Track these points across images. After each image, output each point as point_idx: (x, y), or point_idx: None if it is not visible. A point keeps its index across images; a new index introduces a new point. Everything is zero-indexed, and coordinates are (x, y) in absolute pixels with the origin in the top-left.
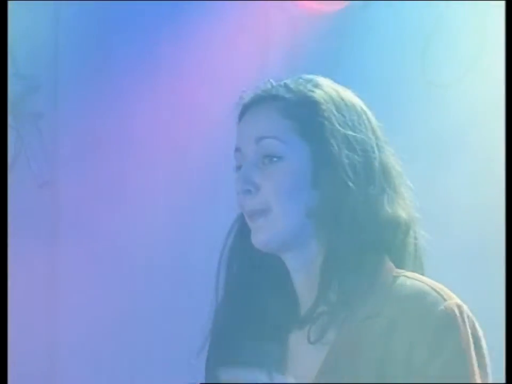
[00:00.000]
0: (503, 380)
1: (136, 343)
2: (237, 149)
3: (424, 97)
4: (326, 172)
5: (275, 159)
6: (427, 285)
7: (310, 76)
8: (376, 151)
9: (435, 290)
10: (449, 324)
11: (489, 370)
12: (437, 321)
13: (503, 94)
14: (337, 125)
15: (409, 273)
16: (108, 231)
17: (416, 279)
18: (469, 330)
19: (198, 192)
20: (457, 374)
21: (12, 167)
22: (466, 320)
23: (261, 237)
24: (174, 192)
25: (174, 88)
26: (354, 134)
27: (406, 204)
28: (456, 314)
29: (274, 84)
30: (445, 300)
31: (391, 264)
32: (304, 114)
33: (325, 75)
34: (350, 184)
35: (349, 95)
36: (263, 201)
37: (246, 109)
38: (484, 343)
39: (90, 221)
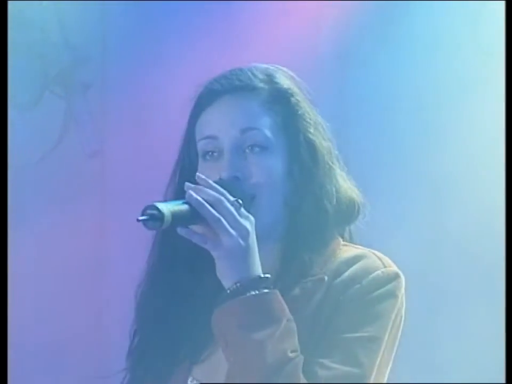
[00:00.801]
0: (503, 380)
1: None
2: (210, 136)
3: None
4: (306, 161)
5: (258, 149)
6: (371, 252)
7: (263, 65)
8: (328, 139)
9: (377, 256)
10: (381, 284)
11: (397, 341)
12: (371, 280)
13: None
14: (311, 114)
15: (357, 245)
16: (156, 199)
17: (362, 248)
18: (399, 297)
19: None
20: (368, 326)
21: (61, 136)
22: (399, 287)
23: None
24: None
25: (223, 58)
26: (320, 121)
27: (353, 185)
28: (391, 279)
29: (241, 73)
30: (384, 266)
31: (339, 238)
32: (283, 106)
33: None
34: (331, 168)
35: (300, 80)
36: (250, 188)
37: (216, 96)
38: (403, 313)
39: (138, 189)
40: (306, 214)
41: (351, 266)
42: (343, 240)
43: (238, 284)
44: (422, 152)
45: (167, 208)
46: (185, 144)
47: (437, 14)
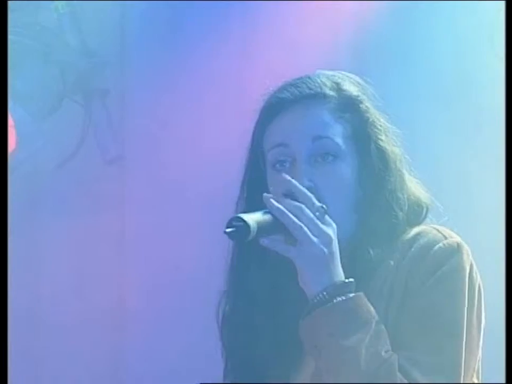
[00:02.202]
0: (503, 380)
1: None
2: (282, 144)
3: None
4: (367, 172)
5: (330, 158)
6: (431, 226)
7: (328, 72)
8: (397, 142)
9: (437, 230)
10: (445, 258)
11: (483, 317)
12: (434, 255)
13: None
14: (382, 121)
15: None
16: (175, 207)
17: (421, 226)
18: (467, 269)
19: None
20: (443, 308)
21: (80, 143)
22: (465, 258)
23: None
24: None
25: (244, 60)
26: (392, 128)
27: (421, 187)
28: (454, 250)
29: (310, 81)
30: (445, 238)
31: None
32: (354, 115)
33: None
34: (395, 177)
35: (366, 85)
36: (323, 197)
37: (287, 104)
38: (480, 286)
39: (157, 196)
40: (376, 221)
41: (413, 244)
42: None
43: (324, 292)
44: (442, 157)
45: (252, 219)
46: (253, 154)
47: (457, 20)
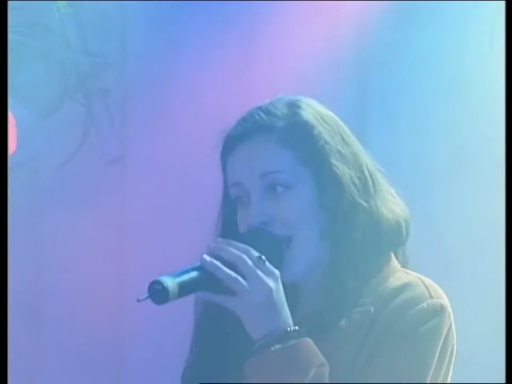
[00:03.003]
0: (503, 380)
1: None
2: (237, 183)
3: None
4: (331, 192)
5: (282, 189)
6: (420, 280)
7: (288, 97)
8: (363, 161)
9: (425, 285)
10: (425, 320)
11: (449, 379)
12: (415, 314)
13: None
14: (333, 144)
15: (409, 270)
16: (176, 206)
17: (412, 275)
18: (444, 332)
19: None
20: (408, 371)
21: (81, 143)
22: (446, 320)
23: (291, 269)
24: None
25: (245, 62)
26: (347, 149)
27: (398, 202)
28: (436, 312)
29: (260, 113)
30: (431, 297)
31: (395, 262)
32: (302, 141)
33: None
34: (356, 198)
35: (326, 111)
36: (284, 230)
37: (237, 142)
38: (453, 348)
39: (158, 196)
40: (345, 244)
41: (397, 296)
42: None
43: (263, 340)
44: (442, 157)
45: (173, 281)
46: (225, 188)
47: (458, 17)
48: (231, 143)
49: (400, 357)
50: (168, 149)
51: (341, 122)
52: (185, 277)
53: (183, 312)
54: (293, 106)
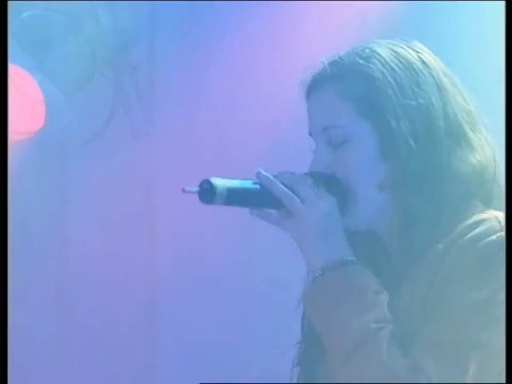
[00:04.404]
0: (503, 380)
1: None
2: (310, 134)
3: None
4: (389, 145)
5: (342, 142)
6: (494, 215)
7: (364, 44)
8: (441, 110)
9: (498, 220)
10: (495, 252)
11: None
12: (483, 248)
13: None
14: (394, 98)
15: (491, 210)
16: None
17: (490, 213)
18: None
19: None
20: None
21: (109, 118)
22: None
23: (347, 220)
24: (273, 151)
25: (272, 42)
26: (413, 102)
27: (483, 151)
28: (504, 249)
29: (326, 64)
30: (502, 230)
31: (477, 207)
32: (362, 93)
33: None
34: (413, 150)
35: (405, 53)
36: (342, 182)
37: (310, 90)
38: None
39: (186, 171)
40: (415, 200)
41: (472, 230)
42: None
43: (320, 271)
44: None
45: (223, 183)
46: None
47: (465, 15)
48: (306, 92)
49: (470, 282)
50: (195, 124)
51: (423, 62)
52: (237, 184)
53: (214, 309)
54: (360, 57)
